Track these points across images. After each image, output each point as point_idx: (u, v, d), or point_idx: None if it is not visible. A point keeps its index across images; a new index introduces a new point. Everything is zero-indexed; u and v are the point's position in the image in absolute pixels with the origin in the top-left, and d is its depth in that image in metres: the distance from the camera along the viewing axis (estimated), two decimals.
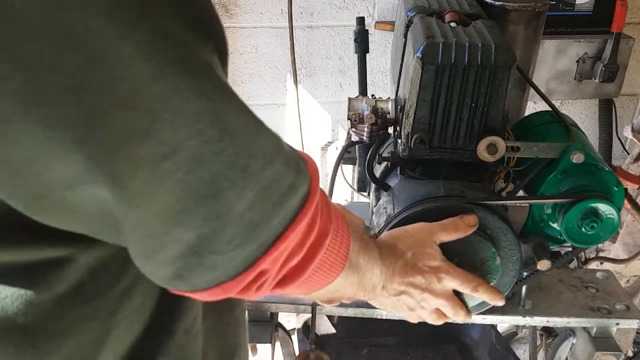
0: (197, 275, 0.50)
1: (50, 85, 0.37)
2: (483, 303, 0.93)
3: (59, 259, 0.49)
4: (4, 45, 0.36)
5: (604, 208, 0.89)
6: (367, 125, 1.00)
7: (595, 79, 1.81)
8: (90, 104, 0.38)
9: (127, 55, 0.38)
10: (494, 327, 1.42)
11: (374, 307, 1.07)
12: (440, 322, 0.89)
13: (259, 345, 1.14)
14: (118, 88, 0.38)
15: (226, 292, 0.52)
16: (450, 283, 0.84)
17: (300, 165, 0.54)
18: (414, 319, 0.89)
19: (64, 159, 0.40)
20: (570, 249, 0.99)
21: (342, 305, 1.09)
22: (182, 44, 0.41)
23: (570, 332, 1.13)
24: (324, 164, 2.05)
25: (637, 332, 1.92)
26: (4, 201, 0.44)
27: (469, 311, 0.89)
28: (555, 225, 0.95)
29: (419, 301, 0.83)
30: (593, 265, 1.38)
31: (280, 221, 0.52)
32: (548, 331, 1.50)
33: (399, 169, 1.01)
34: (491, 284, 0.91)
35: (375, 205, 1.06)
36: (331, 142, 2.05)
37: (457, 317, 0.88)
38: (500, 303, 0.89)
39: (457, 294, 0.87)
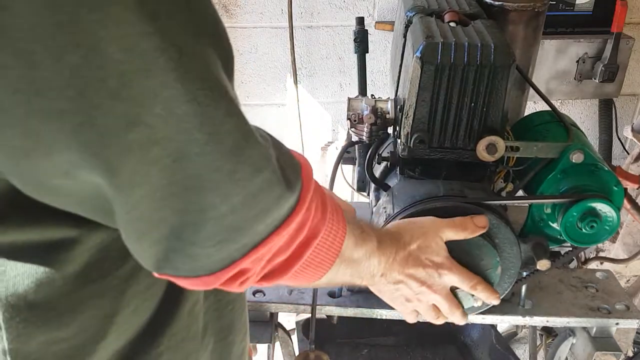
0: (180, 261, 0.51)
1: (49, 77, 0.38)
2: (471, 307, 0.94)
3: (68, 240, 0.52)
4: (5, 37, 0.37)
5: (603, 208, 0.89)
6: (366, 125, 1.00)
7: (595, 79, 1.80)
8: (86, 95, 0.40)
9: (123, 51, 0.39)
10: (494, 327, 1.42)
11: (374, 307, 1.08)
12: (439, 321, 0.89)
13: (259, 345, 1.14)
14: (112, 81, 0.40)
15: (206, 284, 0.54)
16: (450, 279, 0.84)
17: (292, 174, 0.55)
18: (411, 317, 0.89)
19: (60, 148, 0.42)
20: (569, 249, 0.99)
21: (342, 305, 1.09)
22: (179, 45, 0.42)
23: (570, 332, 1.13)
24: (324, 164, 2.05)
25: (637, 332, 1.92)
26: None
27: (464, 312, 0.89)
28: (554, 225, 0.95)
29: (416, 293, 0.83)
30: (593, 265, 1.38)
31: (264, 227, 0.53)
32: (548, 331, 1.50)
33: (398, 169, 1.01)
34: None
35: (374, 205, 1.06)
36: (331, 142, 2.05)
37: (453, 316, 0.88)
38: (496, 302, 0.91)
39: (454, 294, 0.87)
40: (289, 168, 0.55)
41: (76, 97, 0.40)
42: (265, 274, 0.59)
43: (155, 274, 0.53)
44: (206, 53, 0.45)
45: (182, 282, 0.54)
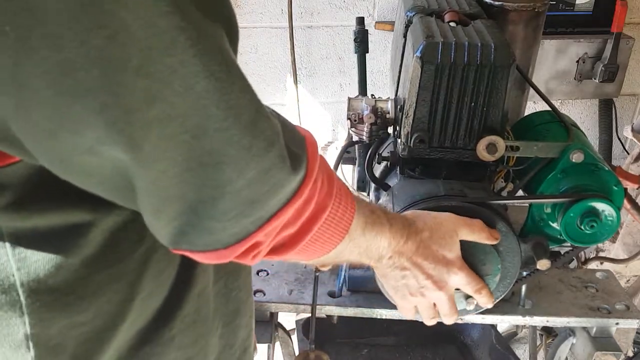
0: (197, 235, 0.52)
1: (75, 59, 0.40)
2: (464, 310, 0.94)
3: (85, 224, 0.53)
4: (33, 20, 0.38)
5: (603, 207, 0.89)
6: (366, 125, 1.00)
7: (595, 79, 1.80)
8: (110, 75, 0.41)
9: (144, 30, 0.41)
10: (494, 327, 1.42)
11: (374, 307, 1.08)
12: (432, 322, 0.89)
13: (259, 345, 1.14)
14: (135, 60, 0.41)
15: (222, 257, 0.55)
16: (458, 279, 0.83)
17: (298, 148, 0.56)
18: (409, 313, 0.88)
19: (85, 126, 0.43)
20: (570, 249, 0.99)
21: (342, 305, 1.09)
22: (197, 22, 0.43)
23: (570, 332, 1.14)
24: None
25: (637, 332, 1.92)
26: (34, 165, 0.48)
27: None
28: (554, 225, 0.95)
29: (421, 286, 0.81)
30: (593, 265, 1.38)
31: (277, 201, 0.54)
32: (548, 331, 1.50)
33: (398, 169, 1.02)
34: None
35: None
36: (331, 142, 2.04)
37: (450, 317, 0.87)
38: (489, 306, 0.91)
39: None
40: (295, 142, 0.56)
41: (101, 77, 0.41)
42: (274, 246, 0.60)
43: (172, 249, 0.54)
44: (217, 29, 0.46)
45: (197, 257, 0.55)
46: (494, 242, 0.87)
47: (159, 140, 0.45)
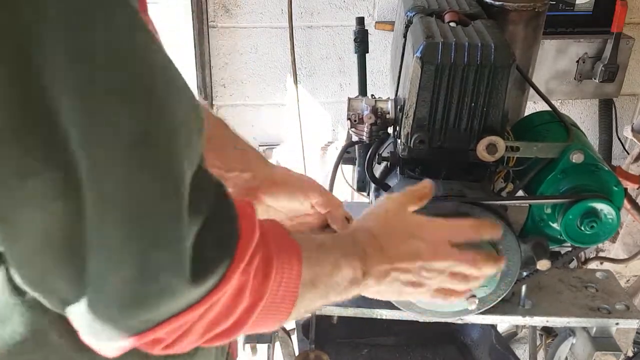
0: (77, 322, 0.49)
1: None
2: (465, 310, 0.93)
3: None
4: None
5: (603, 208, 0.89)
6: (366, 125, 1.00)
7: (595, 79, 1.80)
8: None
9: None
10: (494, 327, 1.42)
11: (374, 307, 1.08)
12: (463, 286, 0.75)
13: (258, 345, 1.14)
14: None
15: (119, 349, 0.51)
16: (447, 264, 0.71)
17: (221, 249, 0.52)
18: (427, 295, 0.75)
19: None
20: (570, 249, 0.99)
21: (342, 305, 1.09)
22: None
23: (570, 332, 1.13)
24: (324, 164, 2.04)
25: (637, 332, 1.92)
26: None
27: (494, 256, 0.76)
28: (554, 225, 0.95)
29: (417, 271, 0.71)
30: (593, 265, 1.38)
31: (167, 309, 0.49)
32: (548, 331, 1.50)
33: (398, 169, 1.01)
34: (482, 295, 0.93)
35: None
36: (331, 142, 2.04)
37: (487, 266, 0.73)
38: (499, 269, 0.78)
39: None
40: (217, 241, 0.51)
41: None
42: (209, 338, 0.55)
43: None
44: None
45: (90, 342, 0.51)
46: (484, 233, 0.76)
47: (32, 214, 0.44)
